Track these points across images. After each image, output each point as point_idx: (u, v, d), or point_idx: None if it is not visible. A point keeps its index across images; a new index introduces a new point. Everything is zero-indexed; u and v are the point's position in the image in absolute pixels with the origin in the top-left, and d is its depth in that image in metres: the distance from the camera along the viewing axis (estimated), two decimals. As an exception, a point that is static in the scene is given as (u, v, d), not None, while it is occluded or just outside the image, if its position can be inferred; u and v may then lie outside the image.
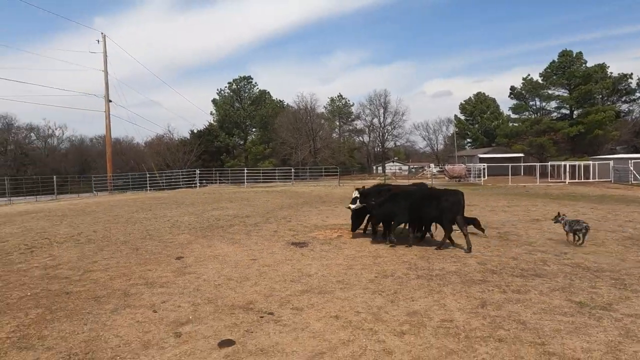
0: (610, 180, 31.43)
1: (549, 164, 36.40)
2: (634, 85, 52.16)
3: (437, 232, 9.54)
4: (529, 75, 54.82)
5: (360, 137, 77.48)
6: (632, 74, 51.32)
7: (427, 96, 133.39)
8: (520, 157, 45.99)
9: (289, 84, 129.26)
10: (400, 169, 78.02)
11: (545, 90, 53.41)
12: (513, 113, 58.97)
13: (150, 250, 8.58)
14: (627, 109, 54.90)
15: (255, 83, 68.61)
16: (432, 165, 71.96)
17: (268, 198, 20.80)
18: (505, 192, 23.37)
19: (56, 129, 70.69)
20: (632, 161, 30.93)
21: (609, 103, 52.38)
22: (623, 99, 54.41)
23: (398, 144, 79.34)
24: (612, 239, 8.79)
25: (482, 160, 43.58)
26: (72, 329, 4.52)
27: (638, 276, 6.05)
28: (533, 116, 54.94)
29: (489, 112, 71.20)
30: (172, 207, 17.19)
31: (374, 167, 75.93)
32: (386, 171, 66.96)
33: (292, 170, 37.85)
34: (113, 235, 10.40)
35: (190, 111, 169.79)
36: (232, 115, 65.22)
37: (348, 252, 8.09)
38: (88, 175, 41.70)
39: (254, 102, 66.74)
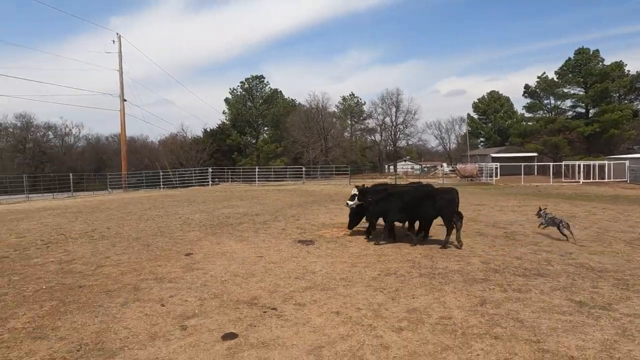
0: (626, 181, 30.91)
1: (563, 163, 35.92)
2: (652, 83, 51.11)
3: (437, 231, 9.56)
4: (544, 73, 54.13)
5: (372, 136, 77.27)
6: (650, 72, 50.29)
7: (441, 95, 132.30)
8: (534, 156, 45.43)
9: (301, 83, 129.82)
10: (412, 168, 77.73)
11: (560, 89, 52.64)
12: (527, 112, 58.23)
13: (161, 246, 8.81)
14: (644, 108, 53.82)
15: (267, 82, 68.96)
16: (444, 164, 71.42)
17: (278, 196, 21.00)
18: (516, 192, 23.18)
19: (73, 127, 72.22)
20: (649, 161, 30.37)
21: (626, 102, 51.34)
22: (641, 98, 53.34)
23: (410, 143, 78.92)
24: (620, 240, 8.73)
25: (494, 159, 43.18)
26: (83, 320, 4.73)
27: (642, 277, 6.04)
28: (547, 115, 54.19)
29: (502, 111, 70.34)
30: (184, 204, 17.50)
31: (386, 166, 75.67)
32: (398, 170, 66.75)
33: (303, 168, 38.03)
34: (125, 232, 10.68)
35: (203, 110, 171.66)
36: (244, 114, 65.67)
37: (353, 250, 8.21)
38: (103, 173, 42.48)
39: (266, 101, 67.11)
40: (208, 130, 58.48)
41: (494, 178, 33.86)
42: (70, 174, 30.54)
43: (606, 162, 33.89)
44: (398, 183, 15.00)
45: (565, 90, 52.70)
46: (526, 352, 3.78)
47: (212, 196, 21.90)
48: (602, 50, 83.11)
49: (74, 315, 4.90)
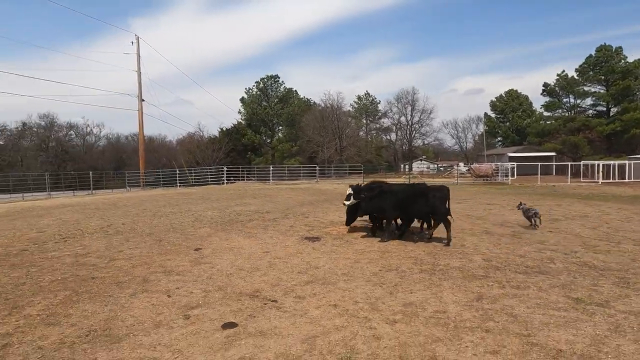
0: (647, 181, 30.15)
1: (582, 163, 35.22)
2: (677, 81, 49.58)
3: (439, 232, 9.60)
4: (563, 71, 53.21)
5: (388, 135, 77.10)
6: (675, 69, 48.80)
7: (459, 94, 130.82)
8: (552, 156, 44.68)
9: (316, 82, 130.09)
10: (428, 167, 77.13)
11: (580, 87, 51.62)
12: (546, 111, 57.31)
13: (172, 241, 9.10)
14: (669, 106, 52.24)
15: (282, 82, 69.57)
16: (461, 164, 70.72)
17: (291, 195, 21.23)
18: (531, 192, 22.89)
19: (94, 127, 73.98)
20: (672, 161, 29.56)
21: (649, 100, 50.03)
22: (665, 96, 51.83)
23: (426, 142, 78.41)
24: (629, 239, 8.63)
25: (511, 159, 42.63)
26: (94, 309, 4.99)
27: (645, 276, 6.01)
28: (566, 114, 53.14)
29: (520, 110, 69.24)
30: (198, 202, 17.86)
31: (402, 166, 75.35)
32: (413, 170, 66.37)
33: (317, 167, 38.22)
34: (139, 228, 11.02)
35: (220, 109, 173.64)
36: (260, 114, 66.36)
37: (358, 247, 8.33)
38: (122, 171, 43.49)
39: (281, 101, 67.68)
40: (224, 129, 59.26)
41: (510, 178, 33.44)
42: (90, 172, 31.39)
43: (627, 162, 33.10)
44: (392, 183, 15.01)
45: (586, 88, 51.70)
46: (515, 345, 3.87)
47: (226, 194, 22.26)
48: (625, 47, 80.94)
49: (85, 304, 5.17)
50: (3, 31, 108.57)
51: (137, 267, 6.92)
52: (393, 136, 75.69)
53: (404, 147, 74.74)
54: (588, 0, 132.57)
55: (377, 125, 76.93)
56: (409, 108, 69.07)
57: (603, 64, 49.83)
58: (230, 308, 4.97)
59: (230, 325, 4.46)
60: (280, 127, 70.16)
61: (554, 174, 38.61)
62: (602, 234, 9.24)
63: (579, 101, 53.57)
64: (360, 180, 34.94)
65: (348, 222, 10.13)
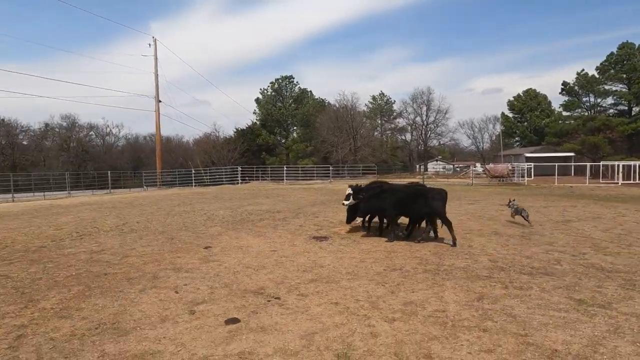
0: (670, 182, 29.33)
1: (601, 163, 34.44)
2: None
3: (443, 232, 9.60)
4: (583, 70, 52.09)
5: (403, 136, 76.75)
6: (701, 66, 47.32)
7: (477, 93, 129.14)
8: (571, 156, 43.81)
9: (331, 83, 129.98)
10: (444, 168, 76.44)
11: (601, 86, 50.47)
12: (564, 110, 56.16)
13: (184, 240, 9.32)
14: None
15: (297, 82, 69.87)
16: (478, 164, 69.86)
17: (303, 195, 21.39)
18: (547, 193, 22.54)
19: (113, 127, 75.60)
20: (695, 161, 28.68)
21: (673, 99, 48.60)
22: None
23: (442, 142, 77.75)
24: (642, 242, 8.48)
25: (528, 159, 42.00)
26: (104, 303, 5.20)
27: (653, 278, 5.93)
28: (586, 113, 52.02)
29: (539, 110, 67.97)
30: (212, 201, 18.17)
31: (417, 166, 74.87)
32: (428, 170, 65.87)
33: (331, 168, 38.32)
34: (153, 226, 11.31)
35: (235, 110, 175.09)
36: (274, 114, 66.78)
37: (365, 246, 8.41)
38: (140, 171, 44.37)
39: (296, 101, 68.00)
40: (239, 129, 59.83)
41: (526, 178, 32.95)
42: (109, 172, 32.16)
43: (648, 162, 32.25)
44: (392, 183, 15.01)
45: (607, 87, 50.54)
46: (510, 344, 3.90)
47: (239, 194, 22.55)
48: (649, 44, 78.46)
49: (97, 298, 5.38)
50: (28, 35, 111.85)
51: (148, 264, 7.13)
52: (408, 136, 75.35)
53: (419, 147, 74.28)
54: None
55: (392, 126, 76.70)
56: (424, 108, 68.65)
57: (625, 62, 48.60)
58: (235, 304, 5.11)
59: (233, 320, 4.59)
60: (295, 128, 70.49)
61: (572, 174, 37.89)
62: (614, 236, 9.10)
63: (599, 100, 52.46)
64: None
65: (349, 221, 10.31)
